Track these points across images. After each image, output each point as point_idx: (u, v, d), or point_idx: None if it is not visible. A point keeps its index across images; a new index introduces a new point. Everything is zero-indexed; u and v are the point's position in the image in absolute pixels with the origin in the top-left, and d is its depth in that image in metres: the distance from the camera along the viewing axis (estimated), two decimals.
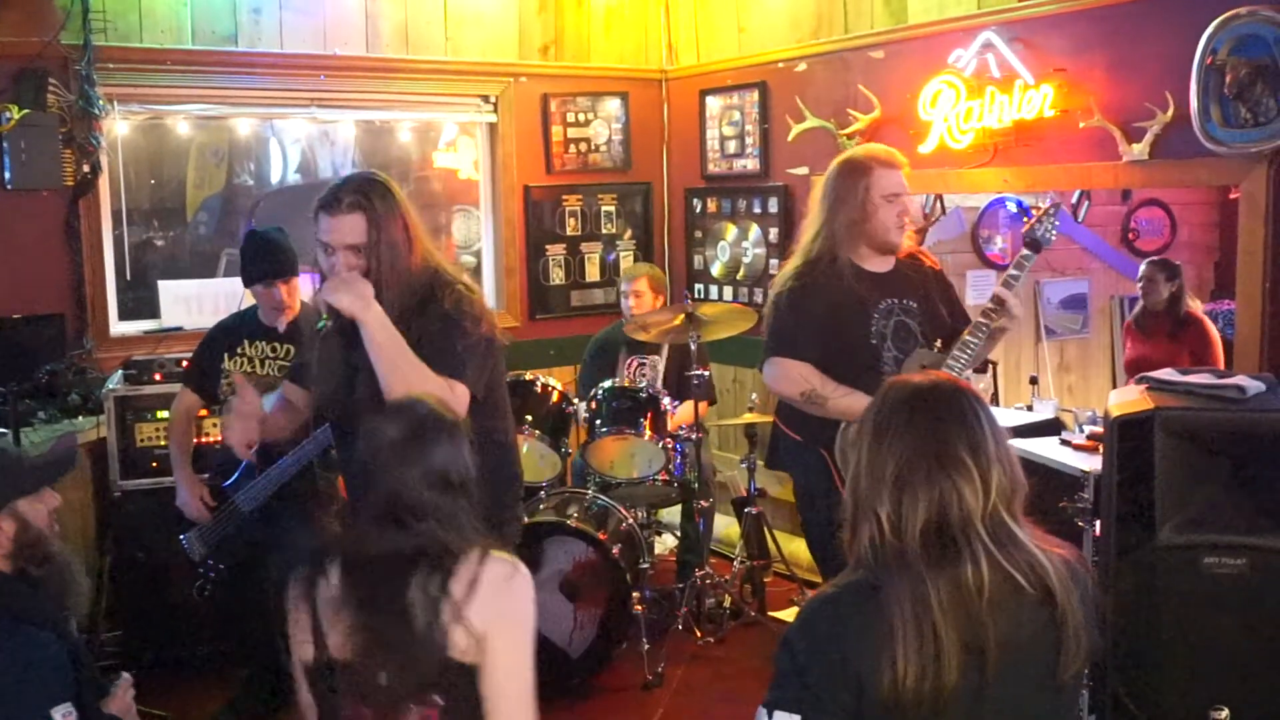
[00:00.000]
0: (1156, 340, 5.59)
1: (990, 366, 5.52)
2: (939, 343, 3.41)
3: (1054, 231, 3.36)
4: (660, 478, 4.59)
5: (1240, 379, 2.86)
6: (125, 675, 2.43)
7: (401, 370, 2.57)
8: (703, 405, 4.68)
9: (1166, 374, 3.06)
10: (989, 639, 1.60)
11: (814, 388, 3.27)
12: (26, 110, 4.55)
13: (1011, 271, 3.36)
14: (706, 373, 4.73)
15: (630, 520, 4.53)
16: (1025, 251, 3.35)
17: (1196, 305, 5.68)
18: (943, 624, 1.58)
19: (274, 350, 3.79)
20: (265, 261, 3.76)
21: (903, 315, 3.38)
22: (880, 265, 3.42)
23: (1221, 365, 5.04)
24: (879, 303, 3.36)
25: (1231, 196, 4.56)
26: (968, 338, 3.30)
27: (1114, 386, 6.76)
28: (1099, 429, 3.47)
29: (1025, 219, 3.45)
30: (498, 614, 1.92)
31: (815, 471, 3.36)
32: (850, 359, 3.30)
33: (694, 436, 4.60)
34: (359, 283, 2.60)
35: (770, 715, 1.64)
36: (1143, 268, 5.75)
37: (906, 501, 1.65)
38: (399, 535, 1.96)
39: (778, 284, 3.43)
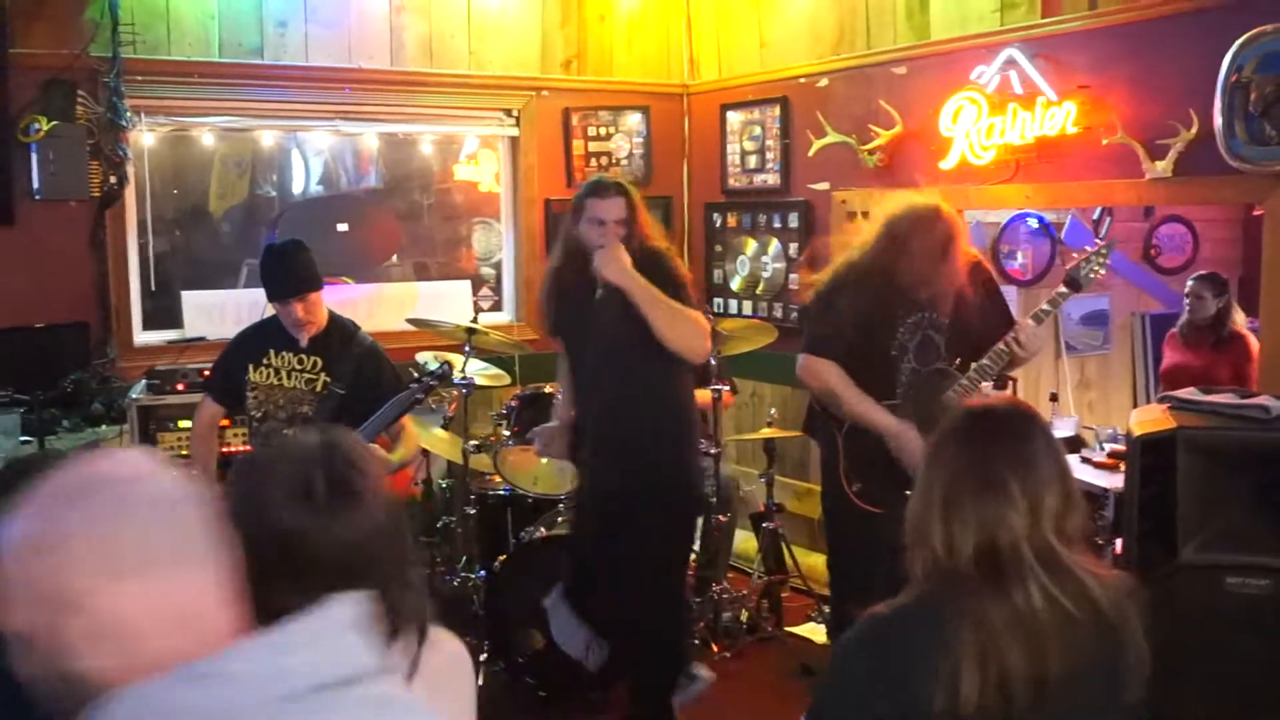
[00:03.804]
0: (1198, 350, 5.43)
1: (1010, 384, 5.49)
2: (958, 360, 3.44)
3: (1100, 272, 3.33)
4: None
5: (1264, 399, 2.85)
6: None
7: (666, 314, 3.33)
8: (725, 394, 4.71)
9: (1189, 393, 3.06)
10: (1048, 663, 1.58)
11: (831, 387, 3.45)
12: (55, 122, 4.62)
13: (1043, 306, 3.35)
14: (726, 387, 4.75)
15: None
16: (1062, 289, 3.32)
17: (1241, 321, 5.48)
18: (1000, 647, 1.57)
19: (300, 362, 3.67)
20: (278, 280, 3.64)
21: (930, 330, 3.43)
22: None
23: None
24: (908, 316, 3.42)
25: (1255, 213, 4.53)
26: (985, 362, 3.36)
27: (1134, 404, 6.71)
28: (1120, 446, 3.46)
29: (1073, 254, 3.42)
30: None
31: (832, 446, 3.55)
32: (869, 367, 3.42)
33: (713, 451, 4.60)
34: (620, 256, 3.32)
35: None
36: (1189, 284, 5.57)
37: (957, 526, 1.65)
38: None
39: (820, 281, 3.59)
